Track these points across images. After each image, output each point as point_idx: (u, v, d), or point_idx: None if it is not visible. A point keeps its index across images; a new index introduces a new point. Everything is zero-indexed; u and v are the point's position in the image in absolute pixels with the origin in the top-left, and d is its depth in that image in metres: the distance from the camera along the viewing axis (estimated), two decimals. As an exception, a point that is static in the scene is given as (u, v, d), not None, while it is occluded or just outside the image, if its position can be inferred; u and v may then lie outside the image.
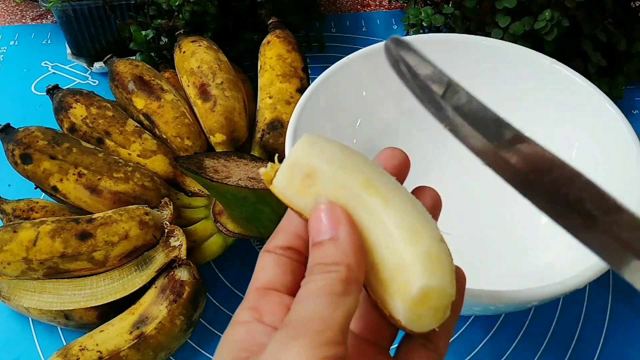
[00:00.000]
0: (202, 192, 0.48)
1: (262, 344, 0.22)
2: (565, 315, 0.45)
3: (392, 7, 0.73)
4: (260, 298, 0.24)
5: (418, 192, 0.27)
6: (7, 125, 0.46)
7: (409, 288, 0.22)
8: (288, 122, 0.43)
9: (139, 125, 0.49)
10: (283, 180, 0.24)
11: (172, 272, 0.42)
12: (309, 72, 0.53)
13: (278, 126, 0.49)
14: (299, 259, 0.25)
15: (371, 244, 0.23)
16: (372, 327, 0.25)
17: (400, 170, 0.27)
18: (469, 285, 0.32)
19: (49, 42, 0.68)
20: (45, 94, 0.53)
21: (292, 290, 0.24)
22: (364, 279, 0.23)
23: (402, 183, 0.27)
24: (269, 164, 0.25)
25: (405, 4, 0.70)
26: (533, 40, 0.54)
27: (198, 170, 0.42)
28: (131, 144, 0.48)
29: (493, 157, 0.22)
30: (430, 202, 0.27)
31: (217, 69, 0.51)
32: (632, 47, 0.57)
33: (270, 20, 0.56)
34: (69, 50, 0.64)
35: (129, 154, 0.48)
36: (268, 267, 0.25)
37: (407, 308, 0.22)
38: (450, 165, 0.50)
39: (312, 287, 0.22)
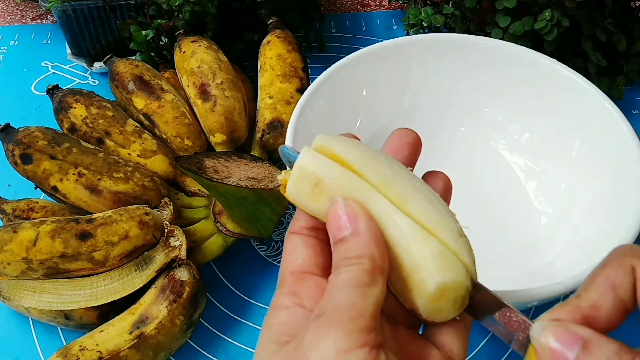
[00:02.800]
0: (202, 192, 0.48)
1: (303, 325, 0.23)
2: (565, 315, 0.45)
3: (392, 7, 0.73)
4: (297, 282, 0.25)
5: (430, 176, 0.28)
6: (7, 125, 0.46)
7: (425, 286, 0.23)
8: (288, 122, 0.43)
9: (139, 125, 0.49)
10: (294, 189, 0.25)
11: (172, 272, 0.42)
12: (309, 72, 0.53)
13: (278, 126, 0.49)
14: (325, 239, 0.26)
15: (387, 244, 0.24)
16: (401, 311, 0.26)
17: (413, 149, 0.28)
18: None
19: (49, 42, 0.68)
20: (45, 94, 0.53)
21: (326, 270, 0.25)
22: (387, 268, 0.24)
23: (415, 161, 0.28)
24: (283, 172, 0.26)
25: (405, 4, 0.70)
26: (533, 40, 0.54)
27: (198, 170, 0.42)
28: (131, 144, 0.48)
29: None
30: (442, 185, 0.28)
31: (217, 69, 0.51)
32: (632, 47, 0.57)
33: (270, 20, 0.56)
34: (69, 50, 0.64)
35: (129, 154, 0.48)
36: (298, 248, 0.26)
37: (425, 304, 0.23)
38: (449, 165, 0.50)
39: (340, 279, 0.22)
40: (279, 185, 0.26)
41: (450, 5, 0.60)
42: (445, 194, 0.28)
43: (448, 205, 0.27)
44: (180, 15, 0.57)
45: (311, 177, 0.25)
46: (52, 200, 0.47)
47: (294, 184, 0.25)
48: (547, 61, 0.46)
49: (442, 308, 0.23)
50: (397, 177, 0.24)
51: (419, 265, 0.23)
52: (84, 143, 0.46)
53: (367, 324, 0.21)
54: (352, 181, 0.24)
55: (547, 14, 0.51)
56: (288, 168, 0.26)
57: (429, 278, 0.23)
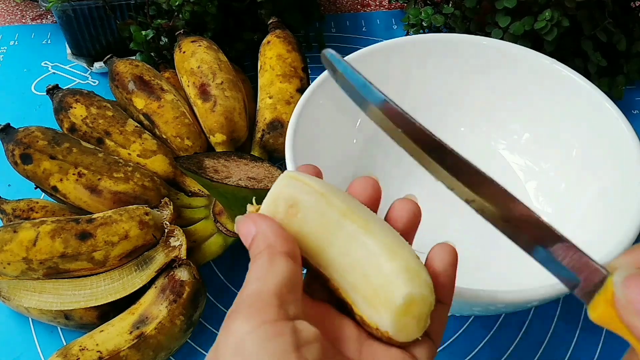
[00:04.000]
0: (202, 192, 0.48)
1: None
2: (565, 316, 0.45)
3: (392, 7, 0.73)
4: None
5: (398, 204, 0.28)
6: (7, 125, 0.46)
7: (394, 298, 0.24)
8: (288, 122, 0.43)
9: (139, 125, 0.49)
10: (267, 213, 0.27)
11: (172, 272, 0.42)
12: (309, 72, 0.53)
13: (278, 126, 0.49)
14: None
15: (354, 265, 0.25)
16: None
17: (374, 199, 0.29)
18: (469, 285, 0.33)
19: (49, 42, 0.68)
20: (45, 94, 0.53)
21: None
22: (299, 254, 0.25)
23: (377, 209, 0.29)
24: (249, 206, 0.28)
25: (405, 4, 0.70)
26: (533, 40, 0.54)
27: (198, 170, 0.42)
28: (131, 144, 0.48)
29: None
30: (408, 213, 0.28)
31: (217, 69, 0.51)
32: (632, 47, 0.57)
33: (270, 20, 0.56)
34: (69, 50, 0.64)
35: (129, 154, 0.48)
36: None
37: (393, 318, 0.24)
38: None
39: (247, 276, 0.24)
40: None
41: (450, 5, 0.60)
42: (414, 220, 0.28)
43: (417, 229, 0.29)
44: (180, 15, 0.57)
45: (288, 198, 0.26)
46: (52, 200, 0.47)
47: (269, 205, 0.26)
48: (547, 61, 0.46)
49: (408, 325, 0.24)
50: (359, 207, 0.27)
51: (388, 280, 0.24)
52: (84, 143, 0.46)
53: (266, 302, 0.22)
54: (325, 205, 0.26)
55: (547, 14, 0.51)
56: (330, 71, 0.27)
57: (398, 290, 0.24)
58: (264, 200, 0.27)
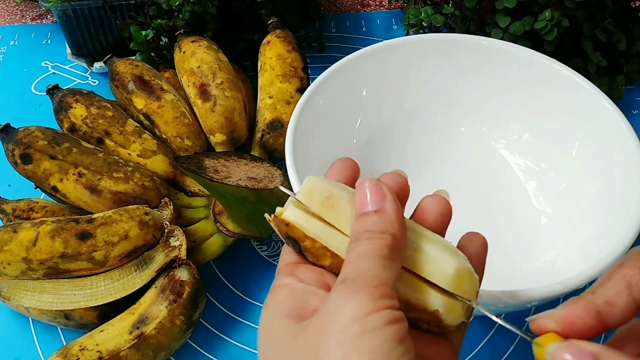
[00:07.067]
0: (202, 192, 0.48)
1: (307, 300, 0.24)
2: (565, 315, 0.45)
3: (392, 7, 0.73)
4: (294, 268, 0.26)
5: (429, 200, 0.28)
6: (7, 125, 0.46)
7: (445, 271, 0.24)
8: (288, 122, 0.43)
9: (139, 125, 0.49)
10: (304, 201, 0.26)
11: (172, 272, 0.42)
12: (309, 72, 0.53)
13: (278, 126, 0.49)
14: None
15: None
16: None
17: (355, 177, 0.29)
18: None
19: (49, 42, 0.68)
20: (45, 94, 0.53)
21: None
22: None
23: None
24: (277, 209, 0.27)
25: (405, 4, 0.70)
26: (533, 40, 0.54)
27: (198, 170, 0.42)
28: (131, 144, 0.48)
29: None
30: (441, 209, 0.28)
31: (217, 69, 0.51)
32: (632, 47, 0.57)
33: (270, 20, 0.56)
34: (69, 50, 0.64)
35: (129, 154, 0.48)
36: (292, 252, 0.27)
37: (444, 299, 0.24)
38: (449, 165, 0.50)
39: (363, 249, 0.23)
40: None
41: (450, 5, 0.60)
42: (445, 216, 0.28)
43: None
44: (180, 15, 0.57)
45: (323, 191, 0.25)
46: (52, 200, 0.47)
47: (304, 199, 0.26)
48: (547, 61, 0.46)
49: (456, 305, 0.24)
50: None
51: (434, 258, 0.24)
52: (84, 143, 0.46)
53: (390, 292, 0.22)
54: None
55: (547, 14, 0.51)
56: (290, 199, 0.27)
57: (447, 264, 0.24)
58: (298, 195, 0.26)
